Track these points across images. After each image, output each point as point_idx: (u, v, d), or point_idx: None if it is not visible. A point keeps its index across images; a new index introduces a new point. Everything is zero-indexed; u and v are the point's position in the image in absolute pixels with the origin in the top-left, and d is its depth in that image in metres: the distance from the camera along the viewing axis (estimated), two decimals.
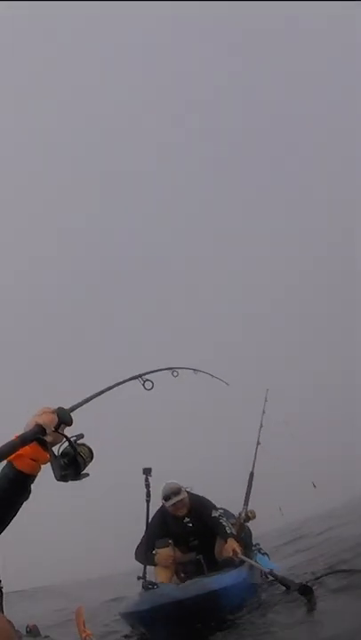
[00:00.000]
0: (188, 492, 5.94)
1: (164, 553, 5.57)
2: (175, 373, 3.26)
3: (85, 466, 2.09)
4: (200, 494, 6.02)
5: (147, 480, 5.39)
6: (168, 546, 5.62)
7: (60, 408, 2.09)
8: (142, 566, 5.44)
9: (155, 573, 5.62)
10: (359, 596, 4.15)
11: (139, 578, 5.33)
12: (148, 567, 5.46)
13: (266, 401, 6.15)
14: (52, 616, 7.79)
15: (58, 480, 2.03)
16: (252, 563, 5.52)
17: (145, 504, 5.40)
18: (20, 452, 1.94)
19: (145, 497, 5.39)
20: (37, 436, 1.97)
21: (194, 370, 3.86)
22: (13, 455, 1.93)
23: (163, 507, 5.87)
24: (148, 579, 5.33)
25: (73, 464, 2.06)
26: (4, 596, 2.07)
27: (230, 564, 5.35)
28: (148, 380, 2.74)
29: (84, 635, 3.94)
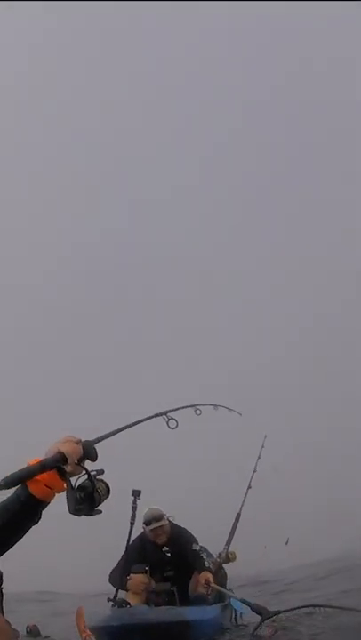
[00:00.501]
0: (169, 521, 5.86)
1: (138, 579, 5.46)
2: (198, 411, 3.22)
3: (100, 502, 2.05)
4: (182, 526, 5.93)
5: (134, 502, 5.31)
6: (144, 572, 5.51)
7: (86, 441, 2.07)
8: (114, 590, 5.35)
9: (126, 598, 5.45)
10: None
11: (109, 600, 5.25)
12: (120, 592, 5.34)
13: (263, 447, 6.17)
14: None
15: (71, 513, 2.00)
16: (224, 591, 5.49)
17: (128, 526, 5.34)
18: (37, 477, 1.91)
19: (130, 519, 5.33)
20: (58, 465, 1.94)
21: (214, 405, 3.80)
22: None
23: (143, 533, 5.80)
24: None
25: (89, 499, 2.02)
26: (4, 597, 2.04)
27: (203, 601, 5.27)
28: (172, 418, 2.73)
29: (83, 635, 3.94)
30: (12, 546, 1.97)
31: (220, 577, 5.91)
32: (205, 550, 5.82)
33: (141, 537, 5.80)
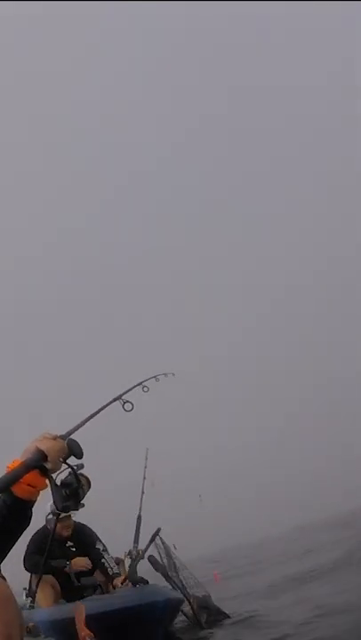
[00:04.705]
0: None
1: (51, 582, 5.27)
2: (145, 388, 3.25)
3: (84, 496, 2.10)
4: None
5: None
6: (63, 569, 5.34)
7: (70, 439, 2.08)
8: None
9: (39, 589, 5.26)
10: None
11: (24, 589, 5.29)
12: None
13: (146, 459, 6.22)
14: None
15: (58, 510, 2.09)
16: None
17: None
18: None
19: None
20: (39, 463, 1.94)
21: (155, 377, 3.70)
22: None
23: (45, 526, 5.45)
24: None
25: (74, 495, 2.05)
26: None
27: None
28: (127, 401, 2.72)
29: (83, 634, 3.90)
30: (9, 551, 1.99)
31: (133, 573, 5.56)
32: (106, 550, 5.59)
33: (44, 529, 5.47)
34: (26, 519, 1.98)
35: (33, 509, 2.00)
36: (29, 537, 5.36)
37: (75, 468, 2.08)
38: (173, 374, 4.13)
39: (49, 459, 1.96)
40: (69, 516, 5.34)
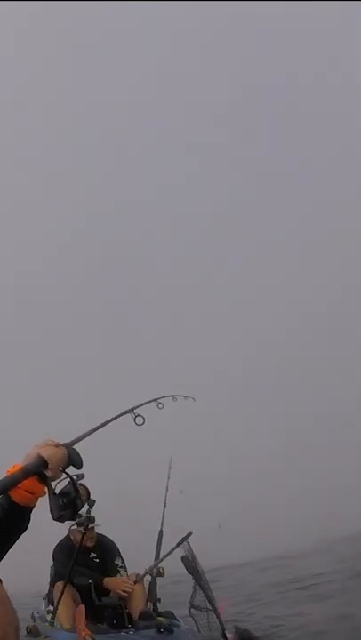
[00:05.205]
0: None
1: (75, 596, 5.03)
2: (160, 405, 3.21)
3: (82, 507, 2.09)
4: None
5: (88, 512, 4.96)
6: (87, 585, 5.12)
7: (71, 448, 2.06)
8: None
9: (61, 604, 4.98)
10: None
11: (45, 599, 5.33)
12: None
13: (170, 468, 6.01)
14: None
15: (54, 519, 1.99)
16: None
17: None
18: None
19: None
20: (39, 470, 1.92)
21: (173, 396, 3.71)
22: None
23: (68, 536, 5.34)
24: None
25: (72, 505, 2.02)
26: None
27: (152, 617, 4.82)
28: (139, 415, 2.70)
29: (83, 634, 3.87)
30: (5, 554, 1.96)
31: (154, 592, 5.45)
32: (124, 566, 5.44)
33: (67, 540, 5.36)
34: (23, 523, 1.97)
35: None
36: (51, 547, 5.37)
37: (75, 477, 2.05)
38: (194, 399, 4.08)
39: (50, 466, 1.94)
40: (93, 527, 5.21)
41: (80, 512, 2.08)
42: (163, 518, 5.69)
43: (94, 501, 4.88)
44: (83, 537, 4.99)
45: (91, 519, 5.01)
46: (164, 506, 5.74)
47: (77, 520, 4.92)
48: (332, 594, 7.59)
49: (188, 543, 5.44)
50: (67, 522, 5.12)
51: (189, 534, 5.42)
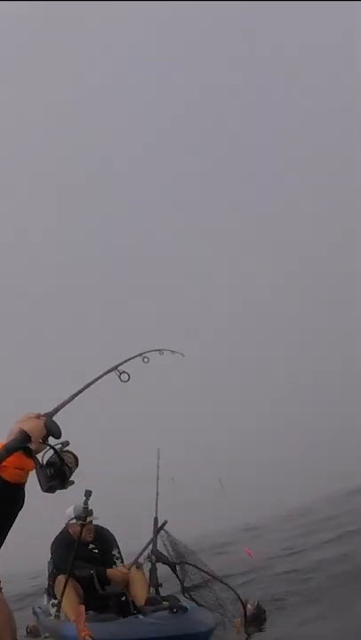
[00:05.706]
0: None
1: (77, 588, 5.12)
2: (145, 359, 3.02)
3: (71, 474, 2.04)
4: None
5: (85, 503, 5.15)
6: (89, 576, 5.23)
7: (48, 419, 2.02)
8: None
9: (65, 597, 5.06)
10: None
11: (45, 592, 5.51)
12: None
13: (158, 458, 6.21)
14: None
15: (44, 491, 1.95)
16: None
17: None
18: (5, 462, 1.88)
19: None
20: (23, 445, 1.91)
21: (159, 350, 3.49)
22: None
23: (67, 529, 5.47)
24: None
25: (59, 474, 2.00)
26: None
27: (159, 603, 4.93)
28: (124, 371, 2.58)
29: (83, 634, 3.91)
30: (6, 535, 1.96)
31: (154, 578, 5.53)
32: (120, 557, 5.56)
33: (66, 533, 5.48)
34: (18, 501, 1.96)
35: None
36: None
37: (59, 445, 2.01)
38: (183, 355, 3.91)
39: (32, 439, 1.94)
40: (91, 520, 5.34)
41: (71, 479, 2.04)
42: (156, 506, 5.88)
43: (90, 492, 5.10)
44: (82, 529, 5.13)
45: (88, 512, 5.21)
46: (157, 494, 5.93)
47: (76, 514, 5.27)
48: None
49: (165, 531, 5.71)
50: (66, 521, 5.33)
51: (165, 523, 5.64)
